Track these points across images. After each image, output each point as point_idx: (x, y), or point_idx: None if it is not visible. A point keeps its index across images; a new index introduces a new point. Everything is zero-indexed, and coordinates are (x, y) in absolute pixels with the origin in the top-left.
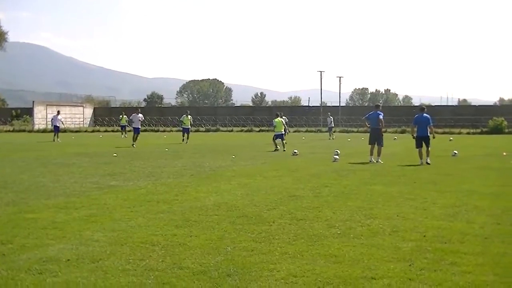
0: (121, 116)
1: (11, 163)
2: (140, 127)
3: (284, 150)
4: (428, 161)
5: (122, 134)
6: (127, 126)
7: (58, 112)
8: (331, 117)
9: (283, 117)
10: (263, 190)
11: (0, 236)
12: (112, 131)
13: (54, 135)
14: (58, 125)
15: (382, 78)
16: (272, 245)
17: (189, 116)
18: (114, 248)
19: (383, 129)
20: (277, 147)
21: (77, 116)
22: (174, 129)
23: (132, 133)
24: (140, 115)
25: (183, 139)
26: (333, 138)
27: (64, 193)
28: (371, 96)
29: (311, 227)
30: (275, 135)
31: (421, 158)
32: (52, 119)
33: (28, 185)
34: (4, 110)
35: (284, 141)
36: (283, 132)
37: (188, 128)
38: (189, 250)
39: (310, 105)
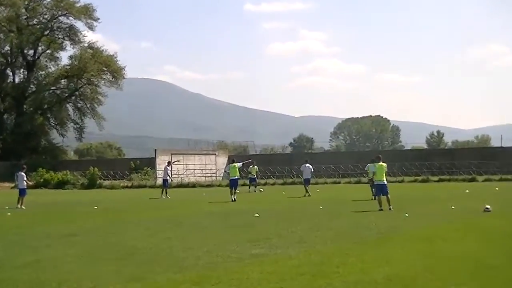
0: (251, 166)
1: (137, 225)
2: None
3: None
4: None
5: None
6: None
7: (169, 163)
8: None
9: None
10: (446, 258)
11: None
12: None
13: (162, 190)
14: (167, 179)
15: None
16: None
17: (255, 167)
18: None
19: None
20: (381, 207)
21: (208, 167)
22: (329, 180)
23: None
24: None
25: (249, 190)
26: None
27: (197, 264)
28: None
29: None
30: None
31: None
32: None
33: (156, 253)
34: (121, 161)
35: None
36: (385, 182)
37: (255, 178)
38: None
39: (503, 145)
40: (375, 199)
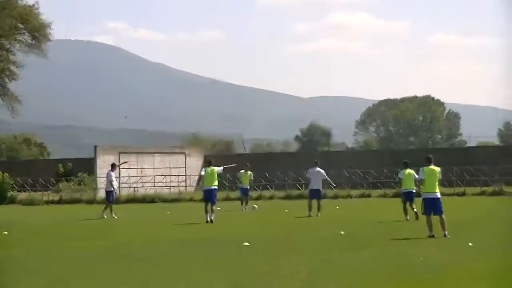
0: (242, 170)
1: (67, 260)
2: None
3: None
4: None
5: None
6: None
7: (113, 166)
8: None
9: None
10: None
11: None
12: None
13: (105, 207)
14: (111, 190)
15: None
16: None
17: (248, 172)
18: None
19: None
20: (431, 233)
21: (174, 172)
22: (354, 192)
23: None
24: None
25: (242, 207)
26: None
27: None
28: None
29: None
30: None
31: None
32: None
33: None
34: (45, 163)
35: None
36: (438, 195)
37: (247, 189)
38: None
39: None
40: (406, 218)
